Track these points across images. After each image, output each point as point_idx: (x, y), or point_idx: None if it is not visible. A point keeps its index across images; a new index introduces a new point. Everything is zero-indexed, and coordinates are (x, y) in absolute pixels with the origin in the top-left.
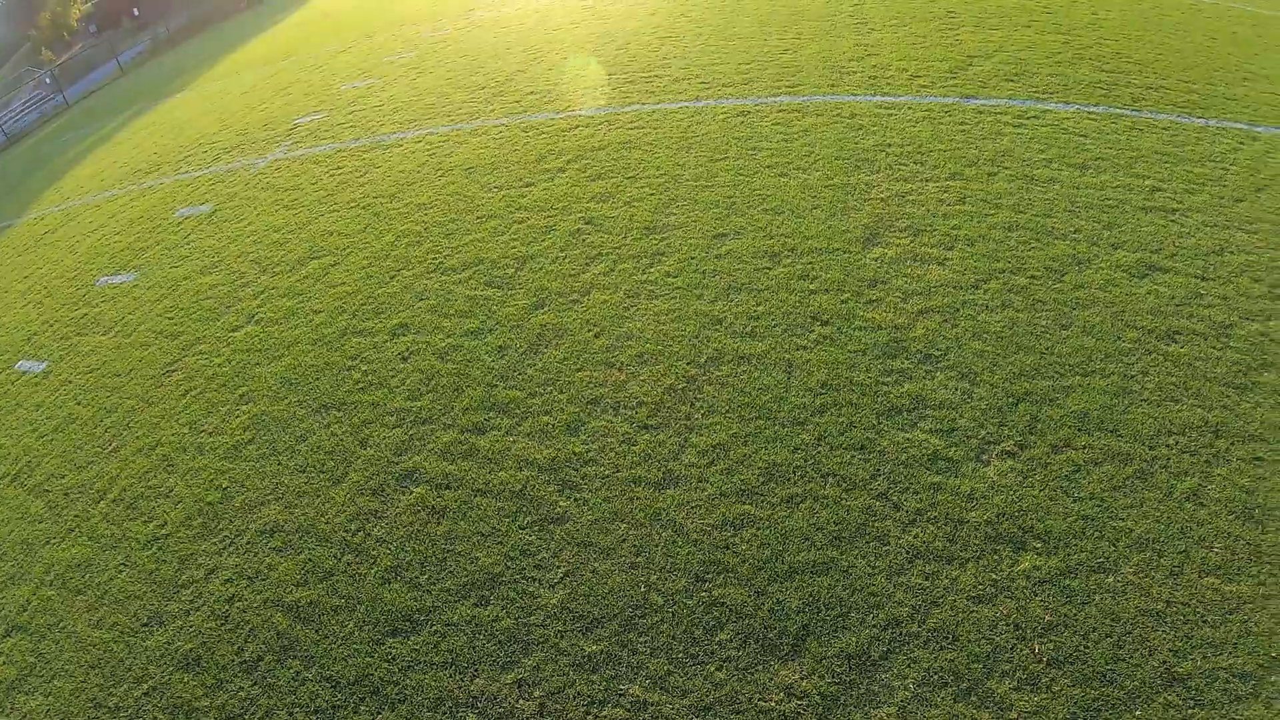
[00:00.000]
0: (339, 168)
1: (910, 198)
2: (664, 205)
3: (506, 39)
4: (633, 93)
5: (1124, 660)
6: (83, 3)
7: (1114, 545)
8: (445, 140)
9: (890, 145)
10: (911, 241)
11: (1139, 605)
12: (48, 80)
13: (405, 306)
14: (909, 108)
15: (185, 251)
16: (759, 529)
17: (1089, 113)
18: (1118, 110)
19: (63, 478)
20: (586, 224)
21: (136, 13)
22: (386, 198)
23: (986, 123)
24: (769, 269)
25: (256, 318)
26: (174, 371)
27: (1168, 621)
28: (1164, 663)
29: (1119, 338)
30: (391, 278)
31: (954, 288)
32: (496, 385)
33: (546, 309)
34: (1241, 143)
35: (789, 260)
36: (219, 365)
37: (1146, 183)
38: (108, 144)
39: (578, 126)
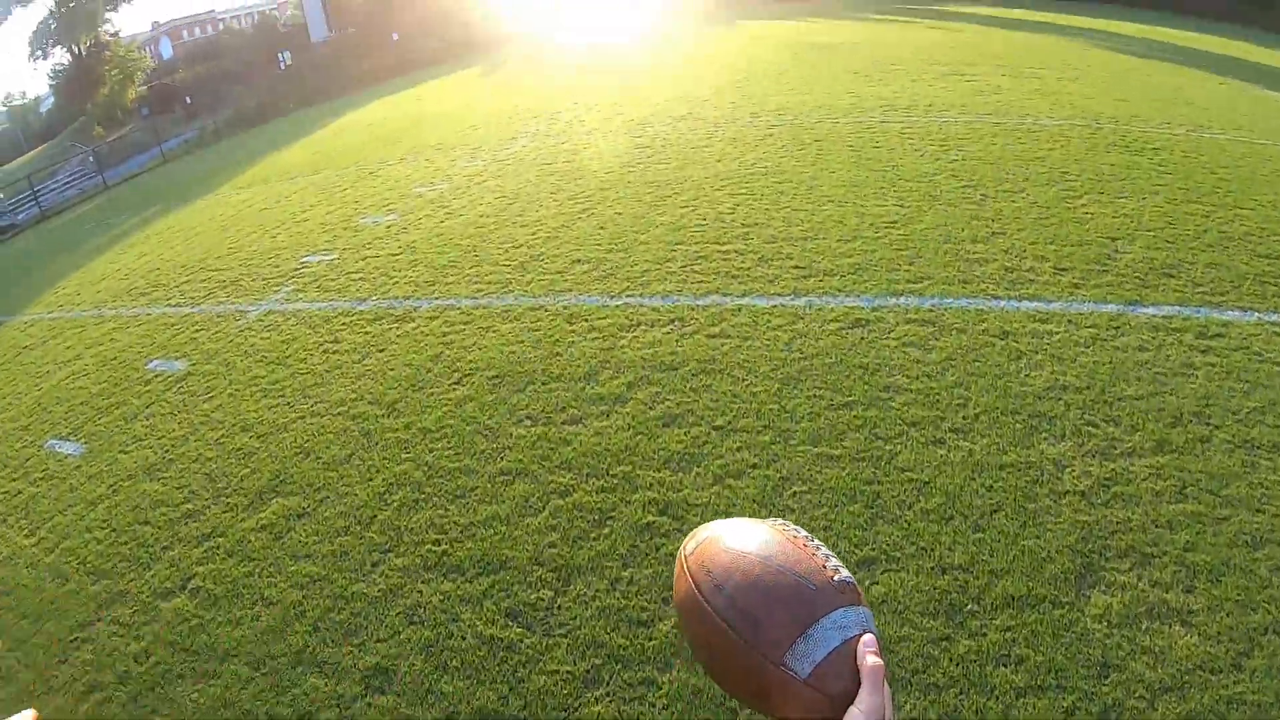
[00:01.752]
0: (336, 341)
1: (1118, 490)
2: (774, 488)
3: (550, 180)
4: (709, 275)
5: None
6: (139, 86)
7: None
8: (467, 321)
9: (1066, 389)
10: (1138, 578)
11: None
12: (91, 159)
13: (389, 633)
14: (1069, 321)
15: (141, 430)
16: None
17: (1273, 325)
18: None
19: None
20: (660, 514)
21: (189, 100)
22: (383, 407)
23: (1169, 347)
24: (950, 638)
25: (192, 585)
26: (81, 645)
27: None
28: None
29: None
30: (373, 566)
31: (1206, 670)
32: None
33: (603, 687)
34: None
35: (978, 618)
36: (132, 661)
37: None
38: (120, 244)
39: (639, 324)
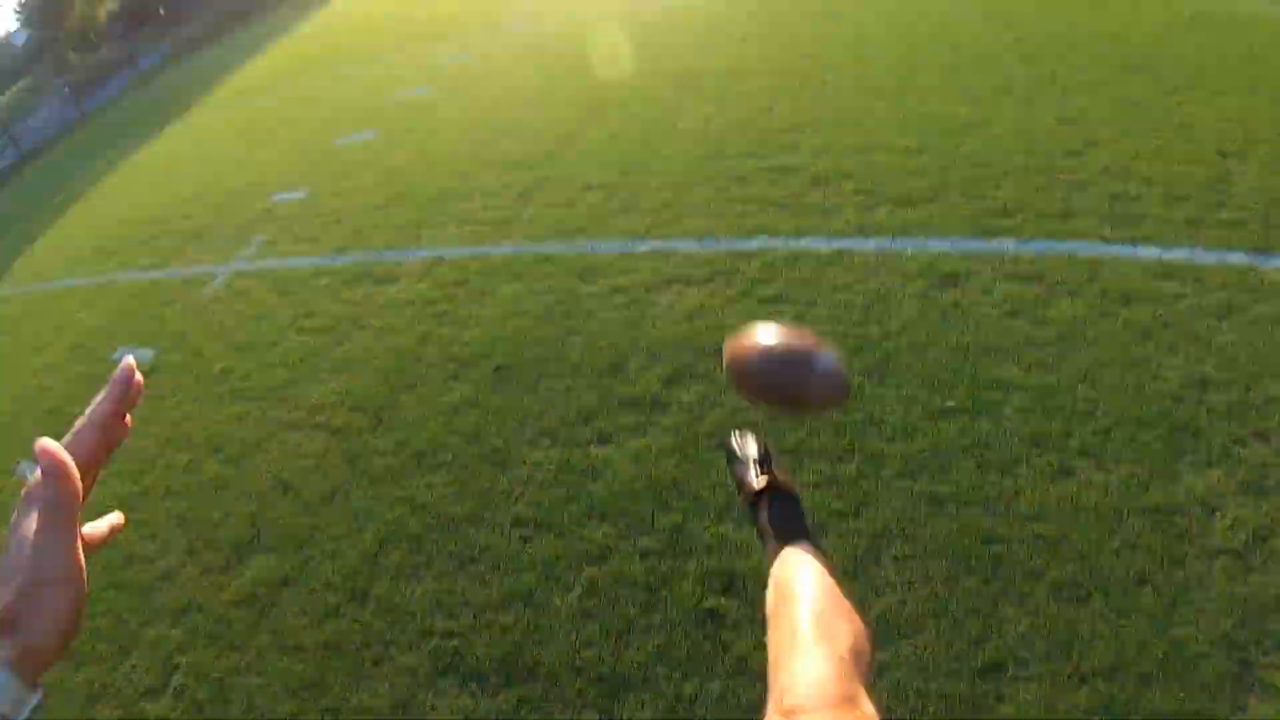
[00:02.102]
0: (310, 314)
1: (1275, 545)
2: (866, 549)
3: (547, 74)
4: (751, 203)
5: None
6: (111, 2)
7: None
8: (461, 281)
9: (1206, 386)
10: None
11: None
12: (67, 90)
13: None
14: (1196, 280)
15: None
16: None
17: None
18: None
19: None
20: (723, 592)
21: (162, 12)
22: (368, 416)
23: None
24: None
25: (175, 684)
26: None
27: None
28: None
29: None
30: (374, 666)
31: None
32: None
33: None
34: None
35: None
36: None
37: None
38: (89, 192)
39: (673, 280)
